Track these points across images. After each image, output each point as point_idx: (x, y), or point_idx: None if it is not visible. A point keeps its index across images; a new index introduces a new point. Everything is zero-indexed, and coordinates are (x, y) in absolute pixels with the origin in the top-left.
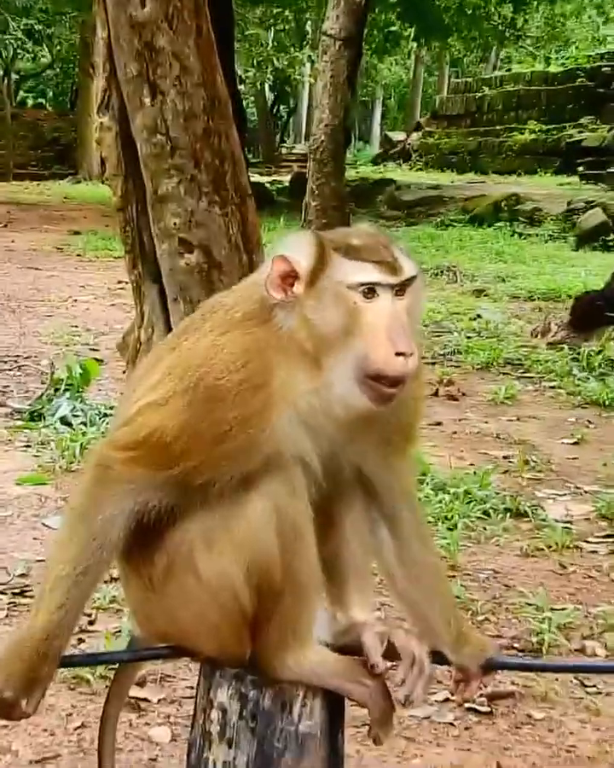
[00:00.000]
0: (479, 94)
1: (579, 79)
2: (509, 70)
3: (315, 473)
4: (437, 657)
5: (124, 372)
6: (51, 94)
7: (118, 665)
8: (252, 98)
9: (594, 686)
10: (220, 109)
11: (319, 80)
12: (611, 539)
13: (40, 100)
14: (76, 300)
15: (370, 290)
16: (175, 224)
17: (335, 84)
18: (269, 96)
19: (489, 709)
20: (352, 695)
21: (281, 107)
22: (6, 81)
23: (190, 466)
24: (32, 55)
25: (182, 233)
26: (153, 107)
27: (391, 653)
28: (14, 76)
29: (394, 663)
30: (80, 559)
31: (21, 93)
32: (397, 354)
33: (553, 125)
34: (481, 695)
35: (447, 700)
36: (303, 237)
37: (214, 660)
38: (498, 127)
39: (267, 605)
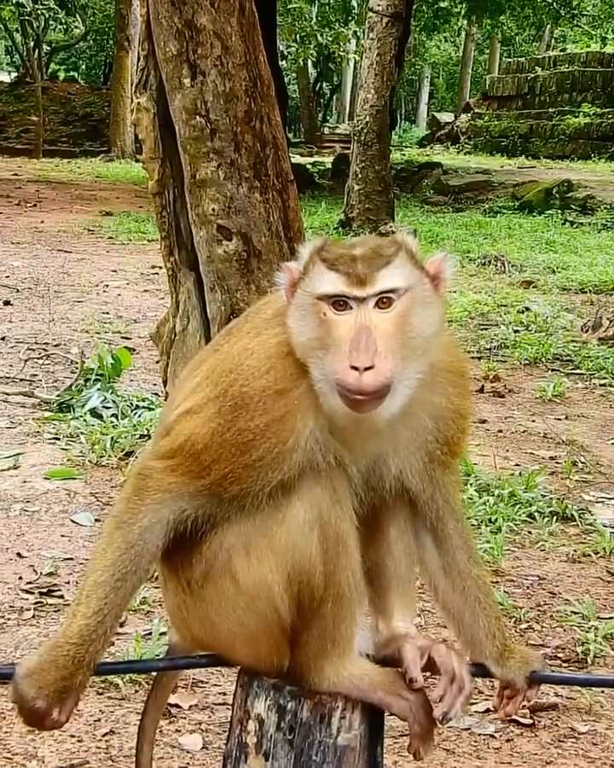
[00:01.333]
0: (532, 74)
1: None
2: (564, 50)
3: (357, 482)
4: (481, 670)
5: (157, 362)
6: (84, 67)
7: (156, 674)
8: (294, 75)
9: None
10: (262, 91)
11: (364, 58)
12: None
13: (72, 73)
14: (107, 286)
15: (342, 302)
16: (213, 209)
17: (381, 62)
18: (312, 72)
19: (531, 721)
20: (392, 709)
21: (324, 84)
22: (37, 52)
23: (221, 475)
24: (65, 26)
25: (220, 219)
26: (192, 88)
27: (432, 667)
28: (45, 48)
29: (434, 677)
30: (117, 566)
31: (53, 65)
32: (353, 368)
33: (609, 109)
34: (524, 707)
35: (488, 711)
36: (308, 243)
37: (252, 670)
38: (551, 110)
39: (307, 614)
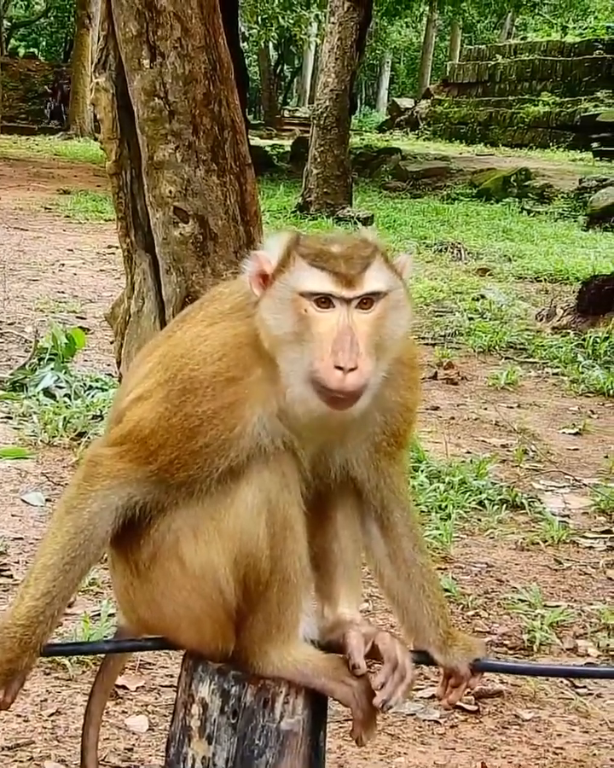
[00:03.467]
0: (492, 62)
1: (597, 51)
2: (524, 38)
3: (305, 469)
4: (424, 657)
5: (111, 342)
6: (44, 44)
7: (103, 657)
8: (255, 57)
9: (585, 687)
10: (222, 74)
11: (326, 42)
12: (609, 535)
13: (32, 50)
14: (63, 265)
15: (326, 300)
16: (170, 191)
17: (342, 47)
18: (273, 55)
19: (476, 708)
20: (335, 695)
21: (285, 67)
22: None
23: (168, 461)
24: (26, 2)
25: (177, 202)
26: (152, 70)
27: (375, 655)
28: (5, 23)
29: (377, 664)
30: (67, 550)
31: (13, 41)
32: (337, 368)
33: (568, 98)
34: (468, 693)
35: (433, 697)
36: (281, 236)
37: (197, 654)
38: (510, 98)
39: (252, 598)
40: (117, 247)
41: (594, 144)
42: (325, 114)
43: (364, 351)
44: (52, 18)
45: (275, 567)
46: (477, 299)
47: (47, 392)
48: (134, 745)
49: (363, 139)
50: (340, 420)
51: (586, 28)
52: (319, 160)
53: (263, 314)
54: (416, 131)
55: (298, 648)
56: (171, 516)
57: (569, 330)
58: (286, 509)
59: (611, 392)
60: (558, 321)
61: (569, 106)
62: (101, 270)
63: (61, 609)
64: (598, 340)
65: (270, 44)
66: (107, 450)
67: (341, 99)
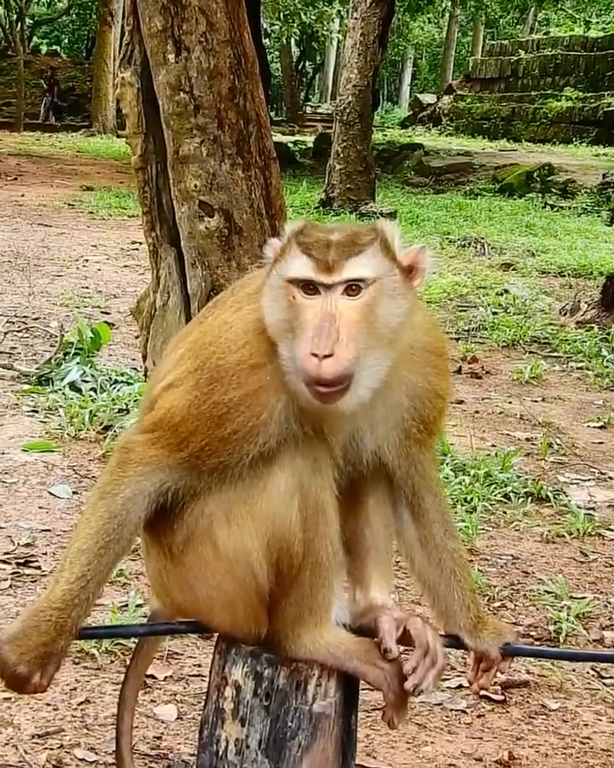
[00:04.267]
0: (515, 57)
1: None
2: (547, 33)
3: (337, 455)
4: (455, 641)
5: (136, 337)
6: (66, 41)
7: (137, 642)
8: (277, 53)
9: (612, 677)
10: (247, 68)
11: (348, 38)
12: None
13: (55, 47)
14: (87, 260)
15: (312, 287)
16: (196, 186)
17: (365, 42)
18: (295, 51)
19: (502, 697)
20: (367, 678)
21: (307, 63)
22: (19, 26)
23: (199, 448)
24: (49, 0)
25: (202, 195)
26: (177, 64)
27: (406, 640)
28: (28, 21)
29: (408, 649)
30: (101, 534)
31: (35, 39)
32: (313, 355)
33: (591, 93)
34: (495, 683)
35: (460, 687)
36: (292, 224)
37: (230, 637)
38: (533, 93)
39: (285, 581)
40: (140, 243)
41: None
42: (348, 110)
43: (345, 338)
44: (74, 15)
45: (307, 551)
46: (501, 294)
47: (73, 386)
48: (163, 733)
49: (386, 135)
50: (336, 412)
51: (609, 23)
52: (342, 155)
53: (262, 301)
54: (439, 127)
55: (330, 632)
56: (205, 501)
57: (593, 325)
58: (318, 494)
59: None
60: (582, 315)
61: (592, 101)
62: (124, 266)
63: (96, 593)
64: None
65: (292, 40)
66: (140, 437)
67: (364, 95)
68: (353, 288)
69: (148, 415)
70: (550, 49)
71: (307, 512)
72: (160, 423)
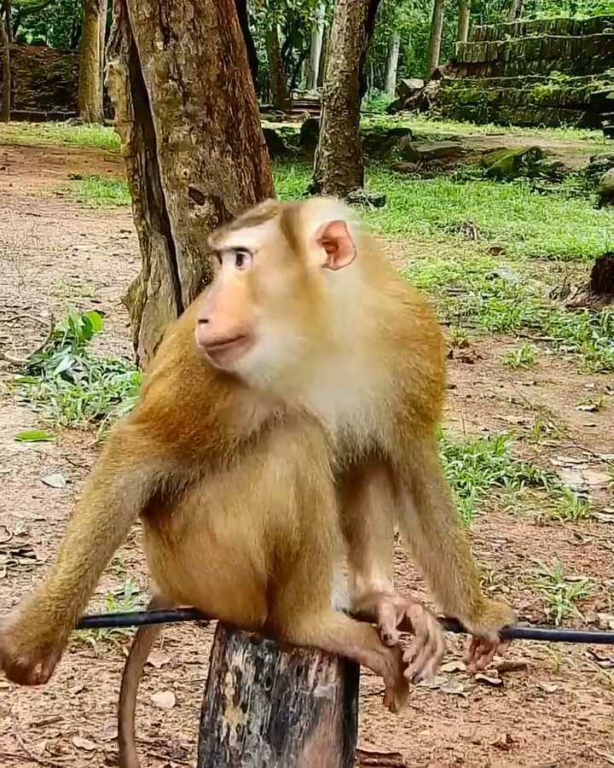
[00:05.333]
0: (501, 41)
1: (606, 29)
2: (533, 17)
3: (333, 440)
4: (454, 625)
5: (127, 326)
6: (52, 30)
7: (138, 628)
8: (263, 40)
9: (607, 660)
10: (235, 55)
11: (335, 24)
12: None
13: (40, 36)
14: (76, 249)
15: (219, 257)
16: (185, 173)
17: (351, 28)
18: (281, 38)
19: (499, 681)
20: (367, 662)
21: (293, 50)
22: (4, 15)
23: (188, 438)
24: None
25: (192, 183)
26: (165, 52)
27: (407, 626)
28: (13, 10)
29: (406, 635)
30: (97, 523)
31: (20, 28)
32: (200, 321)
33: (578, 77)
34: (492, 667)
35: (457, 671)
36: None
37: (230, 623)
38: (520, 77)
39: (283, 569)
40: (129, 232)
41: (605, 122)
42: (335, 96)
43: (224, 304)
44: (59, 4)
45: (305, 538)
46: (491, 278)
47: (65, 376)
48: (161, 720)
49: (373, 120)
50: (382, 391)
51: (595, 6)
52: (330, 141)
53: None
54: (426, 112)
55: (330, 617)
56: (201, 489)
57: (583, 308)
58: (314, 481)
59: None
60: (573, 299)
61: (578, 84)
62: (114, 255)
63: (94, 582)
64: (612, 317)
65: (278, 27)
66: (131, 427)
67: (351, 80)
68: (240, 258)
69: (139, 404)
70: (536, 33)
71: (304, 500)
72: (150, 414)
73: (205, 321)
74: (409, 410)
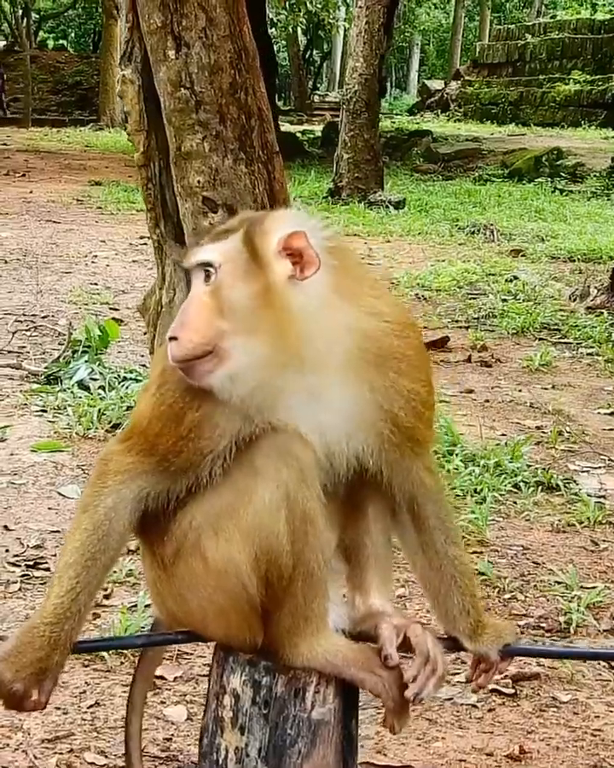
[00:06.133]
0: (522, 41)
1: None
2: (554, 17)
3: (322, 461)
4: (454, 643)
5: (144, 333)
6: (73, 35)
7: (141, 651)
8: (284, 42)
9: None
10: (247, 62)
11: (353, 27)
12: None
13: (61, 41)
14: (96, 256)
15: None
16: (199, 182)
17: (370, 31)
18: (302, 40)
19: (513, 691)
20: (365, 685)
21: (314, 52)
22: (25, 21)
23: (166, 450)
24: None
25: (206, 191)
26: (177, 61)
27: (407, 646)
28: (34, 15)
29: (405, 655)
30: (87, 546)
31: (41, 34)
32: (169, 338)
33: (599, 76)
34: (505, 677)
35: (469, 681)
36: None
37: (227, 646)
38: (541, 77)
39: (276, 593)
40: (149, 238)
41: None
42: (354, 99)
43: (191, 321)
44: (80, 9)
45: (297, 562)
46: (511, 281)
47: (81, 385)
48: (173, 735)
49: (394, 122)
50: (364, 412)
51: None
52: (349, 144)
53: None
54: (447, 113)
55: (327, 639)
56: (192, 513)
57: (603, 310)
58: (305, 504)
59: None
60: (592, 301)
61: (600, 84)
62: (133, 261)
63: (88, 605)
64: None
65: (299, 29)
66: (117, 446)
67: (370, 83)
68: (208, 273)
69: (127, 423)
70: (557, 33)
71: (295, 524)
72: (133, 430)
73: (174, 338)
74: (391, 430)
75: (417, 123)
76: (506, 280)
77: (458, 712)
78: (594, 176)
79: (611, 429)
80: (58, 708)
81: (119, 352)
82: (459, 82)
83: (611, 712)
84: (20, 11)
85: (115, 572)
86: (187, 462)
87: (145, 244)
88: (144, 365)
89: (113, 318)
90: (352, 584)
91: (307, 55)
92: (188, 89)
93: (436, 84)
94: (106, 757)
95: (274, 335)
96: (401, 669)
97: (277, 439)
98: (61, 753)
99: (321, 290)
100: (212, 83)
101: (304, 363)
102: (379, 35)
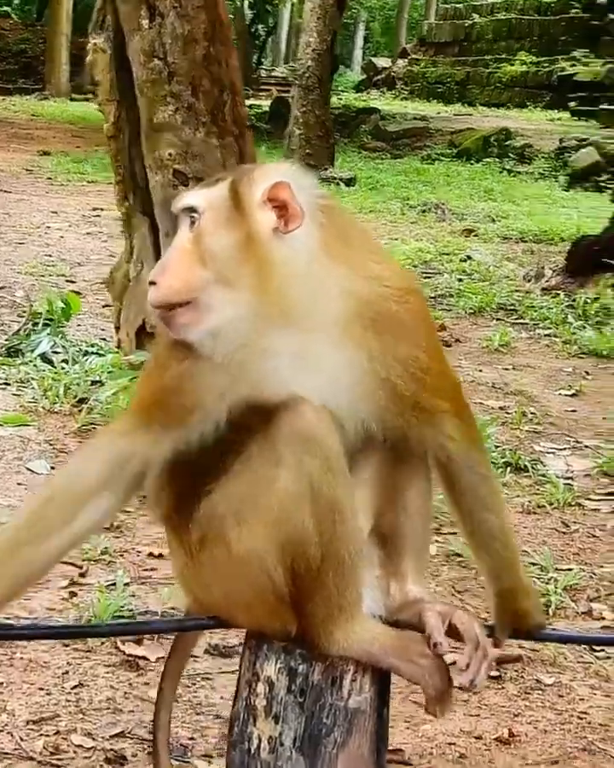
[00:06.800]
0: (469, 21)
1: (573, 10)
2: None
3: (349, 440)
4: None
5: (104, 306)
6: (16, 2)
7: (172, 642)
8: (231, 17)
9: (603, 650)
10: (221, 34)
11: (307, 1)
12: (613, 497)
13: (5, 8)
14: (49, 227)
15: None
16: (170, 154)
17: (324, 6)
18: (248, 14)
19: (497, 674)
20: (404, 674)
21: (260, 27)
22: None
23: (150, 403)
24: None
25: (177, 164)
26: (150, 30)
27: (452, 633)
28: None
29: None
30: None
31: None
32: (150, 282)
33: (545, 58)
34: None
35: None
36: None
37: (259, 633)
38: (487, 57)
39: (306, 583)
40: (102, 209)
41: (571, 104)
42: (307, 75)
43: (172, 267)
44: None
45: (326, 552)
46: (465, 260)
47: (44, 358)
48: None
49: (340, 99)
50: (361, 375)
51: None
52: (301, 120)
53: None
54: (393, 91)
55: (363, 627)
56: (216, 501)
57: (558, 291)
58: (331, 493)
59: (605, 352)
60: (547, 282)
61: (546, 65)
62: (87, 233)
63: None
64: (588, 301)
65: (245, 4)
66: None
67: (323, 59)
68: (192, 219)
69: None
70: (504, 13)
71: (321, 514)
72: (133, 403)
73: (153, 283)
74: (391, 398)
75: (364, 100)
76: (460, 259)
77: None
78: (542, 157)
79: (573, 410)
80: (41, 689)
81: (79, 325)
82: (405, 60)
83: (595, 694)
84: None
85: (89, 548)
86: (171, 419)
87: (98, 216)
88: (105, 339)
89: (72, 291)
90: (387, 570)
91: (253, 30)
92: (161, 59)
93: (382, 62)
94: (93, 739)
95: (255, 289)
96: (442, 658)
97: (298, 423)
98: (48, 736)
99: (308, 246)
100: (186, 54)
101: (290, 323)
102: (332, 10)
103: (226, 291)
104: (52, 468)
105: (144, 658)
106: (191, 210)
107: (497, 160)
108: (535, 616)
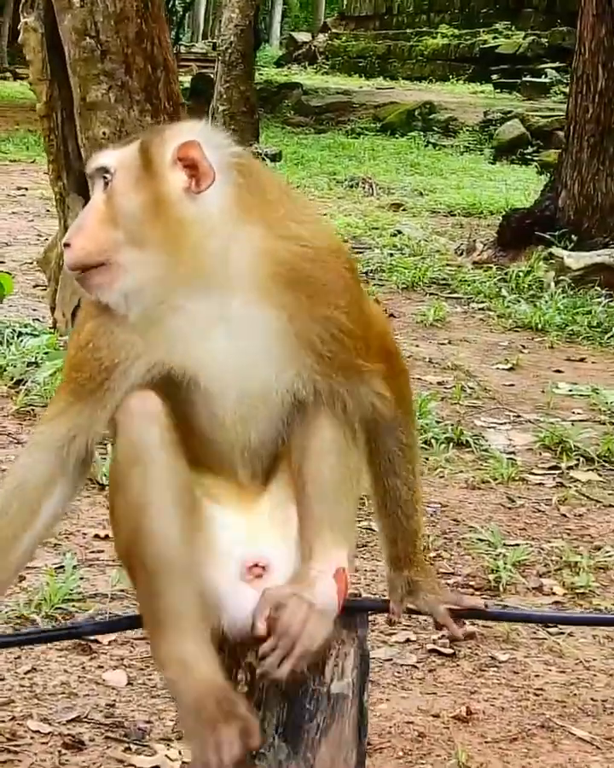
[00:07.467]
0: None
1: None
2: None
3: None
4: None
5: (35, 287)
6: None
7: None
8: None
9: (555, 626)
10: (153, 12)
11: None
12: (556, 471)
13: None
14: None
15: None
16: (104, 133)
17: None
18: None
19: (452, 651)
20: (187, 736)
21: (177, 1)
22: None
23: (73, 366)
24: None
25: (111, 143)
26: (82, 9)
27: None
28: None
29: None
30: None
31: None
32: (64, 244)
33: (467, 30)
34: (442, 637)
35: (408, 641)
36: None
37: None
38: (408, 31)
39: (131, 574)
40: (27, 188)
41: (494, 76)
42: (230, 50)
43: (85, 228)
44: None
45: (131, 551)
46: (395, 235)
47: None
48: (115, 700)
49: (262, 74)
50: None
51: None
52: (225, 96)
53: None
54: (314, 66)
55: (182, 652)
56: None
57: (490, 265)
58: (140, 485)
59: (539, 326)
60: (479, 255)
61: (467, 38)
62: (13, 213)
63: None
64: (520, 274)
65: None
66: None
67: (246, 34)
68: (105, 180)
69: None
70: None
71: (128, 507)
72: (60, 385)
73: (67, 245)
74: (315, 359)
75: (286, 75)
76: (390, 234)
77: (399, 673)
78: (467, 130)
79: (511, 385)
80: None
81: (11, 305)
82: (326, 34)
83: (550, 671)
84: None
85: None
86: (94, 383)
87: (23, 195)
88: (38, 319)
89: (3, 271)
90: (302, 554)
91: (170, 5)
92: (93, 38)
93: (303, 37)
94: (49, 724)
95: (167, 250)
96: (248, 720)
97: (122, 410)
98: (3, 721)
99: (221, 206)
100: (118, 32)
101: (205, 284)
102: None
103: (138, 252)
104: None
105: (96, 641)
106: (103, 170)
107: (422, 133)
108: (429, 591)
